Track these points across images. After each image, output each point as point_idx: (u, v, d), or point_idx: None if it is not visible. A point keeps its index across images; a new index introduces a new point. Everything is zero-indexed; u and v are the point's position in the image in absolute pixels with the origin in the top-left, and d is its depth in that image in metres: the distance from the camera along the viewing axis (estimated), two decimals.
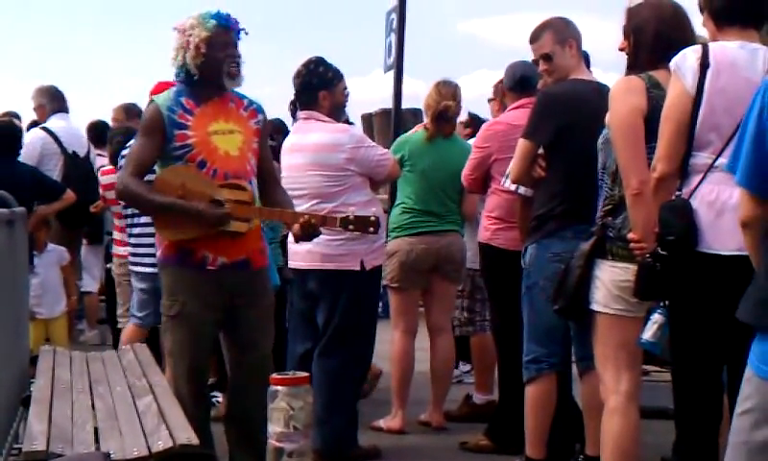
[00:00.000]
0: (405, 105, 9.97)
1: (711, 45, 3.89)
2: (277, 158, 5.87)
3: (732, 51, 3.86)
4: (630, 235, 4.07)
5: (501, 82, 6.67)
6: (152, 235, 5.35)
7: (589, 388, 4.90)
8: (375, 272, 5.93)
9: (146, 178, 4.80)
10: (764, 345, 2.92)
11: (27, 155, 8.30)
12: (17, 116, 9.22)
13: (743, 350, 3.09)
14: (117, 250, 7.10)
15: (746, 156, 3.02)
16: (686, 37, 4.14)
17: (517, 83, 6.17)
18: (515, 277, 5.30)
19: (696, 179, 3.83)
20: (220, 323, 4.80)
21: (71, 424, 3.98)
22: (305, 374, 4.09)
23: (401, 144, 6.71)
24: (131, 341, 6.24)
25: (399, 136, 7.14)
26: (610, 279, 4.22)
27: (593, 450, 4.80)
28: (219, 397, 6.35)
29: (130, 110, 8.51)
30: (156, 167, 4.83)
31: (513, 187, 5.43)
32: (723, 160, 3.77)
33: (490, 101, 6.99)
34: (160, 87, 5.32)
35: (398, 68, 9.69)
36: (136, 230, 6.57)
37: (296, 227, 4.73)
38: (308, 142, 5.84)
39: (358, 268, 5.76)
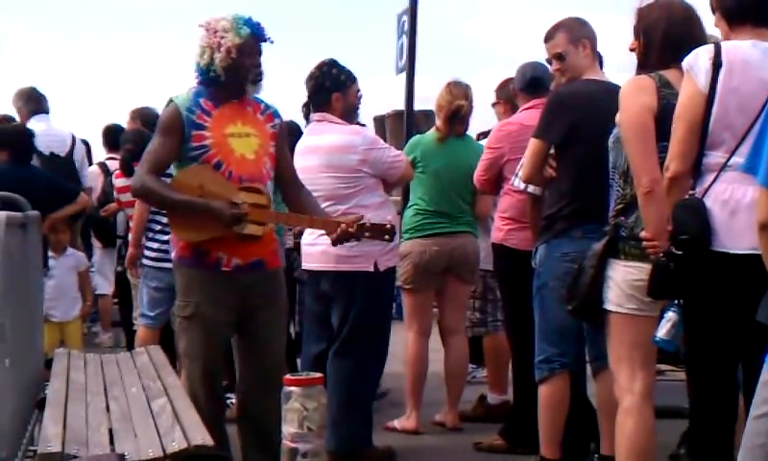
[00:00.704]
0: (417, 106, 9.97)
1: (724, 44, 3.89)
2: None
3: (745, 50, 3.86)
4: (642, 234, 4.07)
5: (505, 84, 6.68)
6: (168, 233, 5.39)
7: (604, 388, 4.90)
8: (389, 273, 5.93)
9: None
10: None
11: None
12: (12, 119, 9.26)
13: (758, 348, 3.08)
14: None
15: None
16: (697, 37, 4.14)
17: (529, 83, 6.18)
18: (528, 277, 5.30)
19: (710, 178, 3.82)
20: (234, 324, 4.80)
21: (86, 427, 3.98)
22: (319, 374, 4.10)
23: (414, 146, 6.72)
24: (144, 344, 6.25)
25: (412, 138, 7.14)
26: (623, 279, 4.22)
27: (608, 450, 4.80)
28: (233, 398, 6.35)
29: (143, 114, 8.52)
30: (171, 169, 4.85)
31: (522, 186, 5.43)
32: (736, 159, 3.77)
33: (494, 105, 6.95)
34: None
35: (410, 70, 9.69)
36: (158, 227, 6.60)
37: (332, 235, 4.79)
38: (321, 144, 5.85)
39: (372, 269, 5.76)
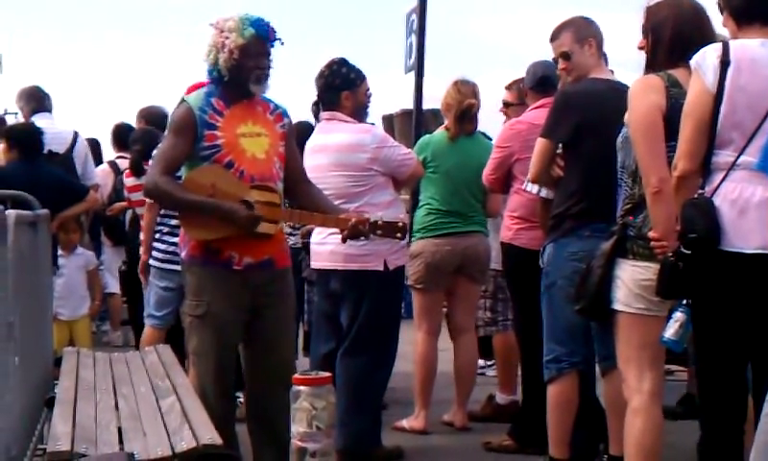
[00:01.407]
0: (426, 105, 9.98)
1: (732, 43, 3.88)
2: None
3: (753, 48, 3.84)
4: (651, 234, 4.06)
5: (515, 85, 6.67)
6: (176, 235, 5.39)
7: (612, 388, 4.89)
8: (399, 272, 5.92)
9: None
10: None
11: None
12: (2, 121, 9.26)
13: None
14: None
15: None
16: (705, 36, 4.12)
17: (538, 82, 6.17)
18: (537, 276, 5.29)
19: (718, 177, 3.81)
20: (245, 323, 4.81)
21: (95, 425, 3.99)
22: (328, 374, 4.10)
23: (424, 145, 6.71)
24: (149, 345, 6.24)
25: (421, 138, 7.13)
26: (631, 278, 4.21)
27: (617, 450, 4.79)
28: (242, 397, 6.36)
29: (149, 113, 8.53)
30: (182, 168, 4.86)
31: (535, 189, 5.41)
32: (745, 158, 3.76)
33: (509, 105, 6.89)
34: (195, 89, 5.34)
35: (419, 69, 9.70)
36: (166, 229, 6.60)
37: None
38: (331, 143, 5.85)
39: (381, 268, 5.75)
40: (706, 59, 3.83)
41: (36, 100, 8.74)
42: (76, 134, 8.66)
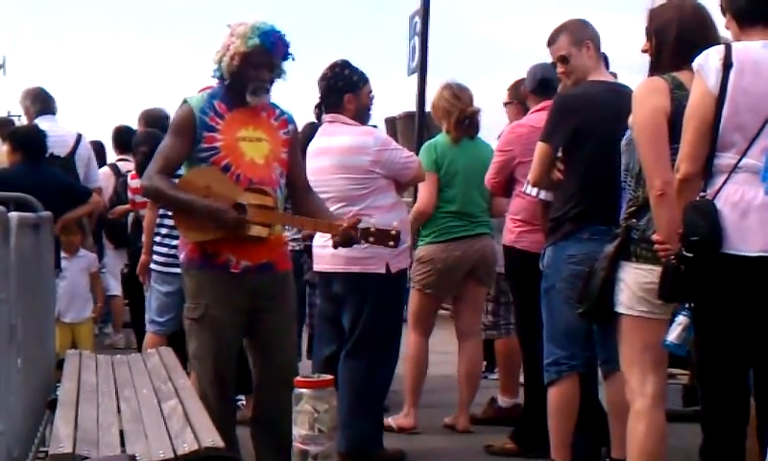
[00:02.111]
0: (428, 108, 9.98)
1: (734, 45, 3.87)
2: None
3: (756, 51, 3.84)
4: (654, 237, 4.06)
5: (517, 85, 6.69)
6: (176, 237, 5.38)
7: (614, 391, 4.89)
8: (400, 274, 5.92)
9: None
10: None
11: None
12: (11, 122, 9.25)
13: None
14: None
15: None
16: (709, 38, 4.12)
17: (539, 85, 6.18)
18: (539, 279, 5.29)
19: (720, 179, 3.81)
20: (243, 326, 4.81)
21: (97, 427, 3.99)
22: (330, 376, 4.10)
23: (431, 149, 6.69)
24: None
25: (426, 143, 7.12)
26: (634, 281, 4.21)
27: (619, 453, 4.79)
28: (243, 399, 6.36)
29: (149, 115, 8.53)
30: (181, 169, 4.86)
31: (535, 192, 5.42)
32: (747, 161, 3.76)
33: (506, 105, 6.96)
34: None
35: (422, 71, 9.71)
36: (165, 230, 6.60)
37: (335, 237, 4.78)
38: (333, 145, 5.85)
39: (383, 271, 5.75)
40: (708, 61, 3.83)
41: (41, 102, 8.75)
42: (79, 137, 8.66)
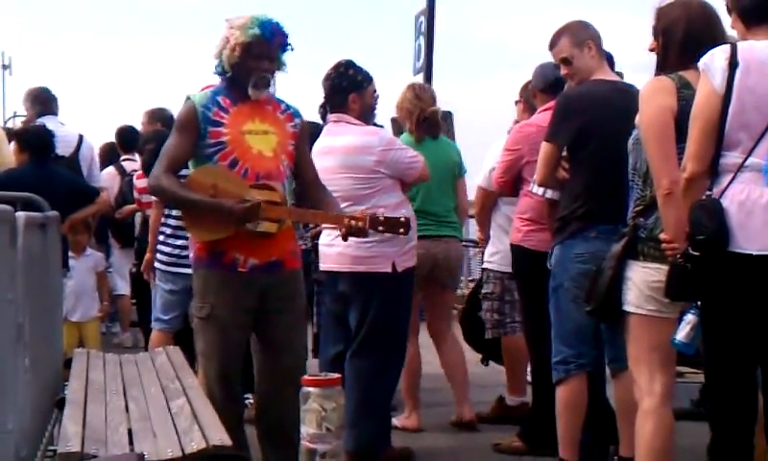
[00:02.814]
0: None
1: (740, 44, 3.87)
2: None
3: (762, 50, 3.84)
4: (662, 236, 4.06)
5: (528, 84, 6.68)
6: (186, 237, 5.38)
7: (622, 389, 4.89)
8: (407, 273, 5.91)
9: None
10: None
11: None
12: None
13: None
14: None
15: None
16: (716, 37, 4.12)
17: (547, 84, 6.17)
18: (546, 278, 5.29)
19: (726, 178, 3.81)
20: (251, 325, 4.80)
21: (105, 426, 4.00)
22: (337, 375, 4.10)
23: None
24: (157, 348, 6.24)
25: None
26: (642, 280, 4.21)
27: (627, 452, 4.79)
28: (251, 398, 6.36)
29: (158, 115, 8.54)
30: (189, 166, 4.85)
31: (540, 191, 5.42)
32: (753, 160, 3.76)
33: (516, 102, 6.98)
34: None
35: (428, 71, 9.71)
36: (169, 230, 6.60)
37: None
38: (338, 145, 5.85)
39: (389, 270, 5.75)
40: (714, 60, 3.83)
41: (42, 102, 8.76)
42: (81, 138, 8.68)
